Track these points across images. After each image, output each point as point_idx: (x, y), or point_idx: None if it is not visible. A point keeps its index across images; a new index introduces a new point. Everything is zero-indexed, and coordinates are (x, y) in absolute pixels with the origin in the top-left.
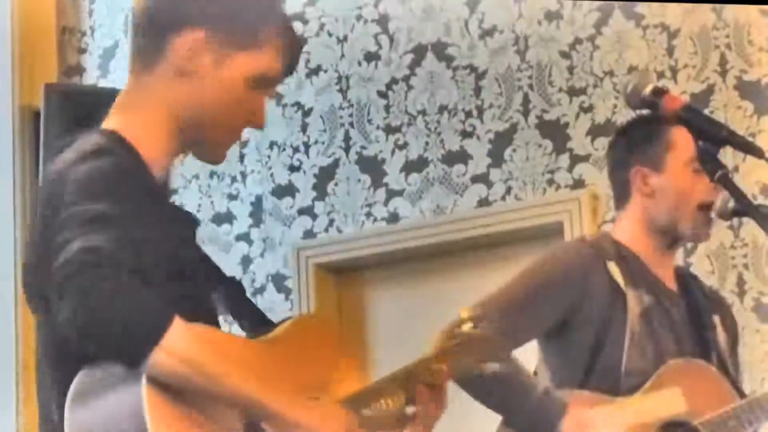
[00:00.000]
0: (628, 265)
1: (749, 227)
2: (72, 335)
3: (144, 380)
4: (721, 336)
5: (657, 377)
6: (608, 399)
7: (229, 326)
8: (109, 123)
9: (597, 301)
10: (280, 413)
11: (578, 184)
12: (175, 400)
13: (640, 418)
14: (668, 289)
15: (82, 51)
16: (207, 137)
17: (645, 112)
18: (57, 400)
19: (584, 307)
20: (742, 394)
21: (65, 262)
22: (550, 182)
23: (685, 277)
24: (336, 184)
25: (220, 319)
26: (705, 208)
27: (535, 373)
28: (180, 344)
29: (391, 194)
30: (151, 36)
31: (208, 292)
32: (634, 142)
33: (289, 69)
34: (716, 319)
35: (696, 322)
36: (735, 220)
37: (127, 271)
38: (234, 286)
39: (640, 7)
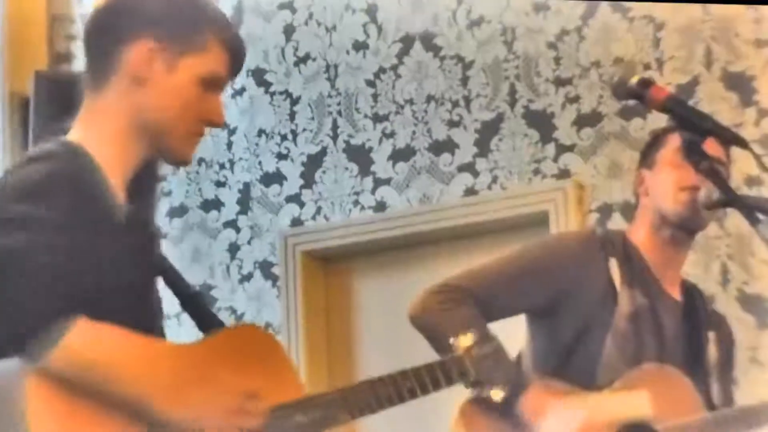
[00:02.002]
0: (630, 265)
1: (733, 218)
2: None
3: (31, 376)
4: (713, 353)
5: (628, 378)
6: (578, 391)
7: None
8: (71, 136)
9: (589, 293)
10: (162, 413)
11: (563, 174)
12: (64, 395)
13: (601, 415)
14: (668, 296)
15: (72, 38)
16: (170, 142)
17: (632, 102)
18: None
19: (575, 296)
20: (711, 408)
21: None
22: (536, 172)
23: (690, 289)
24: (323, 173)
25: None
26: (686, 189)
27: (520, 356)
28: (75, 343)
29: (379, 183)
30: (103, 50)
31: (152, 303)
32: (642, 152)
33: (237, 69)
34: (711, 335)
35: (689, 334)
36: (719, 211)
37: (38, 272)
38: (195, 296)
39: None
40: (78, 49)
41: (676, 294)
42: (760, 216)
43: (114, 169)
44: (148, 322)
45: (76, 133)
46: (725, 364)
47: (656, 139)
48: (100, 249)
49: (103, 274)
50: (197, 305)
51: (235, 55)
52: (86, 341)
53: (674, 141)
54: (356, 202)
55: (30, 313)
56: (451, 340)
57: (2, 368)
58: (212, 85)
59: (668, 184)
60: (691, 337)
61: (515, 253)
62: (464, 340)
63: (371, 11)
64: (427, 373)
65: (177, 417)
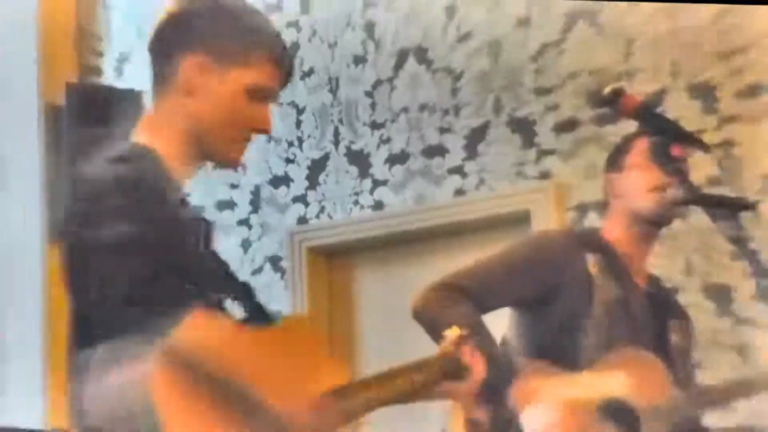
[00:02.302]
0: (606, 260)
1: (697, 215)
2: (100, 311)
3: (154, 358)
4: (675, 339)
5: (607, 361)
6: (562, 372)
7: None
8: (138, 137)
9: (571, 285)
10: (263, 403)
11: (544, 175)
12: (184, 378)
13: (584, 393)
14: (637, 287)
15: (100, 54)
16: (218, 147)
17: (606, 110)
18: (80, 375)
19: (559, 288)
20: (681, 388)
21: (99, 248)
22: (519, 174)
23: (654, 280)
24: (327, 175)
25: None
26: (656, 189)
27: (503, 341)
28: (194, 330)
29: (377, 184)
30: (162, 61)
31: (216, 290)
32: (609, 157)
33: (285, 80)
34: (673, 323)
35: (655, 321)
36: (684, 208)
37: (150, 261)
38: (245, 289)
39: (603, 16)
40: (104, 64)
41: (642, 282)
42: (721, 212)
43: (176, 170)
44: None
45: (143, 136)
46: (685, 350)
47: (622, 146)
48: (180, 245)
49: (185, 268)
50: (248, 295)
51: (282, 69)
52: (200, 330)
53: (641, 146)
54: (356, 202)
55: (149, 300)
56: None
57: (134, 349)
58: (259, 96)
59: (640, 185)
60: (656, 324)
61: (504, 251)
62: (460, 330)
63: (369, 28)
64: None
65: (277, 406)
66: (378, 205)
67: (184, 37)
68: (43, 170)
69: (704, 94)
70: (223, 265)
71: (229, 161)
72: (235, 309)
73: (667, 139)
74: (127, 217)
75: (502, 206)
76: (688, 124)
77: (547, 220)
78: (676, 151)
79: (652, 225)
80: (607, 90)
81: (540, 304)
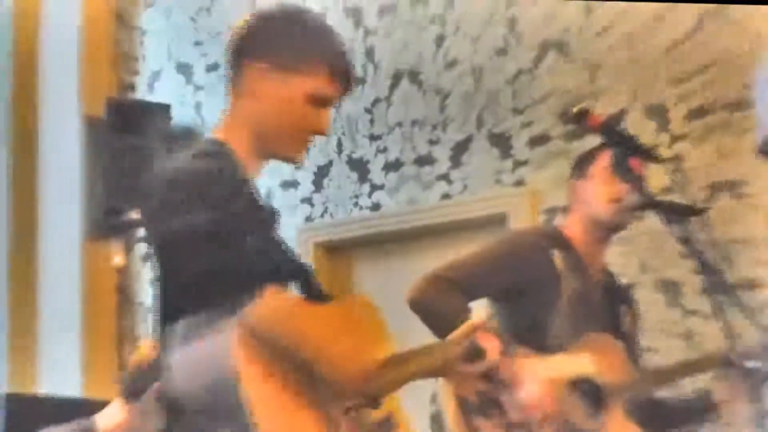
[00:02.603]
0: (568, 255)
1: (651, 218)
2: (185, 286)
3: (235, 328)
4: (627, 321)
5: (576, 344)
6: (537, 355)
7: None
8: (216, 134)
9: (540, 278)
10: (330, 377)
11: (519, 183)
12: (261, 349)
13: (558, 372)
14: (593, 278)
15: (135, 73)
16: (280, 146)
17: (573, 126)
18: (166, 343)
19: (530, 281)
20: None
21: (187, 231)
22: (498, 181)
23: (610, 275)
24: (330, 180)
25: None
26: (615, 201)
27: None
28: (268, 306)
29: (374, 188)
30: (234, 68)
31: (286, 273)
32: (576, 163)
33: (345, 90)
34: (624, 308)
35: (609, 308)
36: (640, 213)
37: (231, 243)
38: (307, 271)
39: (571, 46)
40: (138, 81)
41: (599, 275)
42: (672, 217)
43: (248, 164)
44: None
45: (219, 133)
46: (634, 332)
47: (587, 157)
48: (254, 230)
49: (259, 251)
50: (308, 277)
51: (342, 78)
52: (274, 306)
53: (604, 158)
54: (356, 204)
55: (233, 276)
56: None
57: (216, 320)
58: (318, 101)
59: (601, 196)
60: (611, 312)
61: (485, 247)
62: (481, 316)
63: (369, 53)
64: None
65: (335, 374)
66: (375, 207)
67: (251, 46)
68: (82, 175)
69: (658, 114)
70: (288, 249)
71: (290, 159)
72: (296, 289)
73: (627, 152)
74: (209, 204)
75: (483, 209)
76: (645, 141)
77: (522, 222)
78: (634, 162)
79: (608, 230)
80: (574, 110)
81: (515, 295)
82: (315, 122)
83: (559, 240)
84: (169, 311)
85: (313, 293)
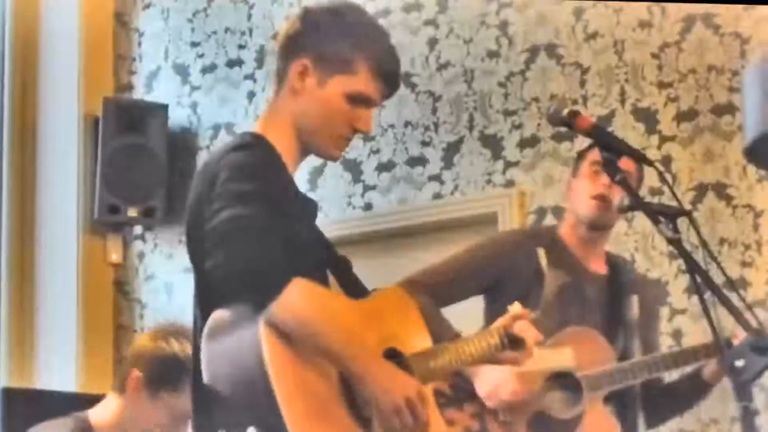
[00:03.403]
0: (556, 252)
1: (640, 219)
2: (216, 280)
3: (262, 323)
4: (635, 313)
5: (556, 338)
6: None
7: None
8: (256, 128)
9: (521, 275)
10: (356, 371)
11: (509, 183)
12: (288, 343)
13: (536, 365)
14: (590, 272)
15: (132, 73)
16: (319, 142)
17: (563, 129)
18: (199, 335)
19: (510, 278)
20: (621, 359)
21: (218, 224)
22: (488, 182)
23: (615, 262)
24: (325, 180)
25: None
26: (596, 198)
27: None
28: (293, 300)
29: (367, 188)
30: (279, 65)
31: (323, 264)
32: (574, 162)
33: (389, 91)
34: (634, 298)
35: (611, 300)
36: (629, 214)
37: (262, 237)
38: (344, 263)
39: (560, 50)
40: (136, 81)
41: (601, 269)
42: (661, 218)
43: (287, 158)
44: (324, 282)
45: (260, 127)
46: (647, 322)
47: (581, 155)
48: (294, 222)
49: (298, 243)
50: (346, 270)
51: (385, 80)
52: (300, 298)
53: (591, 156)
54: (349, 203)
55: (261, 269)
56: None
57: (240, 312)
58: (359, 101)
59: (583, 193)
60: (612, 303)
61: (463, 251)
62: (521, 307)
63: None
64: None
65: (366, 375)
66: (368, 206)
67: (297, 44)
68: (80, 172)
69: (647, 117)
70: (326, 242)
71: (328, 156)
72: (335, 281)
73: (616, 154)
74: (247, 197)
75: (474, 209)
76: (633, 143)
77: (511, 222)
78: (624, 164)
79: (592, 228)
80: (564, 112)
81: (495, 293)
82: (358, 121)
83: (546, 239)
84: (207, 305)
85: (351, 286)
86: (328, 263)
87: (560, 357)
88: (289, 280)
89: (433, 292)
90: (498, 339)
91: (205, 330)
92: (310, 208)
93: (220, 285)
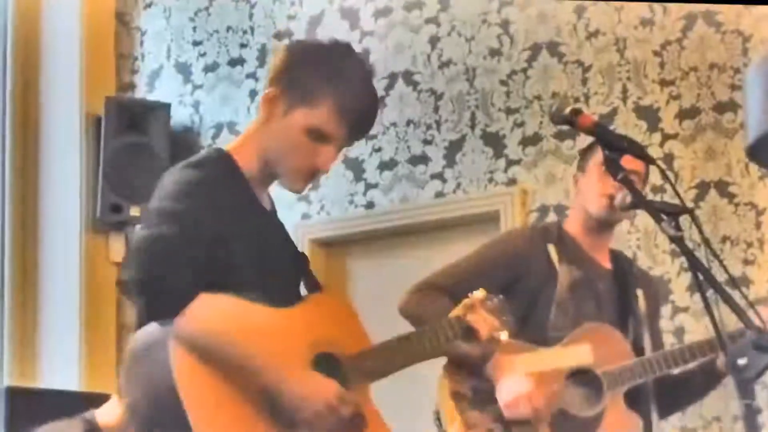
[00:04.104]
0: (565, 247)
1: (642, 217)
2: (129, 296)
3: (172, 340)
4: (642, 307)
5: (574, 335)
6: (534, 348)
7: None
8: (231, 144)
9: (535, 272)
10: (271, 382)
11: (511, 182)
12: (200, 358)
13: (555, 364)
14: (599, 267)
15: (134, 72)
16: (280, 170)
17: (565, 127)
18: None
19: (524, 276)
20: (639, 354)
21: (136, 240)
22: (490, 180)
23: (618, 257)
24: (326, 178)
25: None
26: (606, 196)
27: None
28: (199, 314)
29: (369, 187)
30: (265, 91)
31: (292, 277)
32: (580, 157)
33: (355, 131)
34: (639, 292)
35: (620, 295)
36: (631, 212)
37: (173, 256)
38: (301, 266)
39: (563, 48)
40: (138, 80)
41: (607, 264)
42: (663, 216)
43: (254, 179)
44: (287, 295)
45: (236, 143)
46: (653, 315)
47: (588, 149)
48: (255, 240)
49: (247, 256)
50: (306, 269)
51: (350, 121)
52: (207, 312)
53: (600, 154)
54: (351, 202)
55: (167, 286)
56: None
57: (157, 331)
58: (319, 137)
59: (593, 190)
60: (621, 297)
61: (477, 251)
62: (478, 294)
63: (364, 55)
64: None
65: (281, 384)
66: (369, 205)
67: (273, 72)
68: (83, 172)
69: (649, 115)
70: (294, 255)
71: (291, 188)
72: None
73: (619, 152)
74: (171, 217)
75: (476, 207)
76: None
77: (514, 220)
78: (626, 162)
79: (600, 224)
80: (566, 110)
81: (509, 292)
82: (312, 156)
83: (554, 235)
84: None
85: (311, 287)
86: (300, 274)
87: (579, 354)
88: (194, 294)
89: (452, 293)
90: (452, 331)
91: (127, 350)
92: (272, 226)
93: (132, 301)
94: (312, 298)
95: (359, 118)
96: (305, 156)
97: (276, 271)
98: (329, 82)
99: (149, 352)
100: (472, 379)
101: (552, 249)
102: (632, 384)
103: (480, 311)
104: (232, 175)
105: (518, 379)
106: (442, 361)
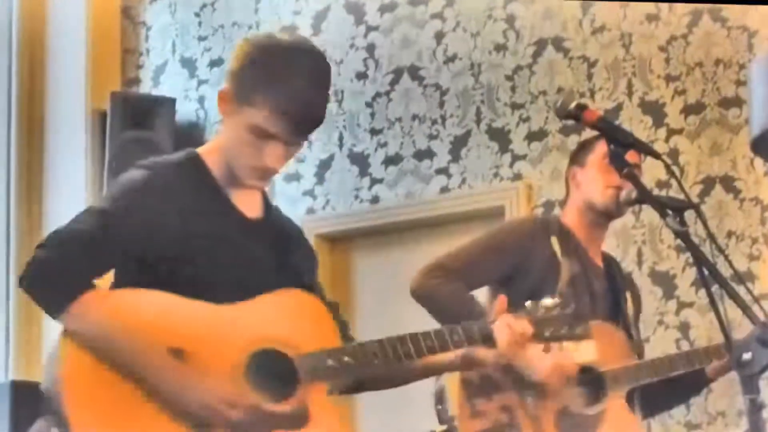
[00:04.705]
0: (566, 241)
1: (647, 212)
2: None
3: (60, 331)
4: (629, 308)
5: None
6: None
7: None
8: (201, 149)
9: (537, 263)
10: (153, 381)
11: (517, 177)
12: (87, 350)
13: (563, 358)
14: (595, 264)
15: (140, 67)
16: (234, 167)
17: (570, 122)
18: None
19: (526, 267)
20: (639, 355)
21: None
22: (495, 175)
23: (609, 259)
24: (332, 173)
25: None
26: (614, 188)
27: None
28: (89, 310)
29: (374, 181)
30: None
31: (247, 273)
32: (575, 151)
33: (300, 130)
34: (627, 294)
35: (612, 294)
36: (636, 207)
37: (82, 251)
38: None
39: (568, 43)
40: (143, 75)
41: (599, 262)
42: (668, 211)
43: (224, 180)
44: (239, 288)
45: (207, 146)
46: (636, 319)
47: (586, 145)
48: (191, 236)
49: (200, 256)
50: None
51: (292, 120)
52: (91, 309)
53: (601, 148)
54: (356, 196)
55: (60, 280)
56: (529, 303)
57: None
58: (263, 136)
59: (598, 183)
60: (612, 297)
61: (483, 236)
62: (546, 302)
63: (370, 49)
64: (440, 336)
65: (163, 386)
66: (375, 200)
67: (228, 69)
68: (88, 165)
69: (654, 110)
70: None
71: (247, 185)
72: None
73: (624, 146)
74: (93, 214)
75: (481, 202)
76: (641, 136)
77: (519, 215)
78: (631, 157)
79: (603, 217)
80: (572, 105)
81: (512, 281)
82: (260, 155)
83: (555, 227)
84: None
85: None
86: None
87: (584, 350)
88: (83, 290)
89: (463, 276)
90: (465, 334)
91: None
92: (238, 222)
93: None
94: (272, 296)
95: (302, 116)
96: (252, 154)
97: (234, 272)
98: (270, 81)
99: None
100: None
101: (555, 241)
102: (635, 385)
103: (513, 319)
104: (195, 177)
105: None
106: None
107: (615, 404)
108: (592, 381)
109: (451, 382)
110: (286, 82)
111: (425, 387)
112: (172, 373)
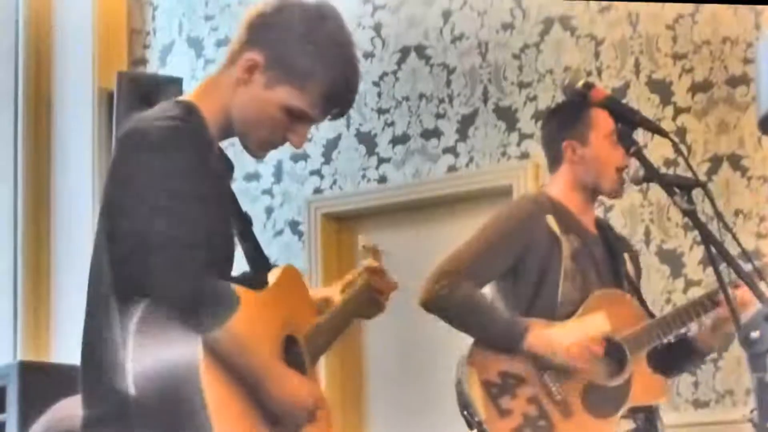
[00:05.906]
0: (560, 216)
1: (655, 190)
2: (137, 269)
3: (204, 345)
4: (630, 269)
5: (586, 304)
6: (550, 324)
7: None
8: (191, 96)
9: (539, 247)
10: (263, 386)
11: (524, 156)
12: (224, 365)
13: (576, 336)
14: (590, 233)
15: (146, 47)
16: (246, 137)
17: (569, 98)
18: (119, 325)
19: (529, 253)
20: (650, 315)
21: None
22: (503, 154)
23: (602, 224)
24: (339, 152)
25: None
26: (620, 170)
27: None
28: (237, 328)
29: (381, 161)
30: (234, 46)
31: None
32: (563, 123)
33: (335, 112)
34: (626, 256)
35: (612, 259)
36: (644, 185)
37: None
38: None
39: (575, 21)
40: (150, 55)
41: (593, 229)
42: (676, 189)
43: (214, 132)
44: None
45: (197, 95)
46: (638, 277)
47: (579, 116)
48: (211, 198)
49: (214, 222)
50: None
51: (333, 104)
52: (241, 326)
53: (604, 125)
54: (364, 176)
55: (185, 263)
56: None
57: (173, 326)
58: (296, 116)
59: (607, 165)
60: (613, 261)
61: (483, 230)
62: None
63: (377, 28)
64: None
65: (266, 385)
66: (382, 179)
67: (260, 32)
68: (95, 145)
69: (661, 89)
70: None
71: (251, 152)
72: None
73: (631, 125)
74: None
75: (488, 181)
76: (648, 114)
77: (527, 194)
78: (638, 135)
79: (596, 193)
80: (579, 84)
81: (516, 270)
82: (288, 133)
83: (548, 204)
84: (122, 292)
85: (254, 255)
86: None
87: (595, 323)
88: (237, 304)
89: (469, 274)
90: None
91: (132, 339)
92: (226, 173)
93: (142, 274)
94: (273, 274)
95: (344, 100)
96: (278, 131)
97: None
98: (321, 64)
99: (165, 345)
100: (499, 363)
101: (551, 219)
102: (653, 344)
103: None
104: (201, 126)
105: (569, 333)
106: (454, 352)
107: (639, 368)
108: (611, 350)
109: (472, 386)
110: (341, 65)
111: (448, 392)
112: (267, 371)
